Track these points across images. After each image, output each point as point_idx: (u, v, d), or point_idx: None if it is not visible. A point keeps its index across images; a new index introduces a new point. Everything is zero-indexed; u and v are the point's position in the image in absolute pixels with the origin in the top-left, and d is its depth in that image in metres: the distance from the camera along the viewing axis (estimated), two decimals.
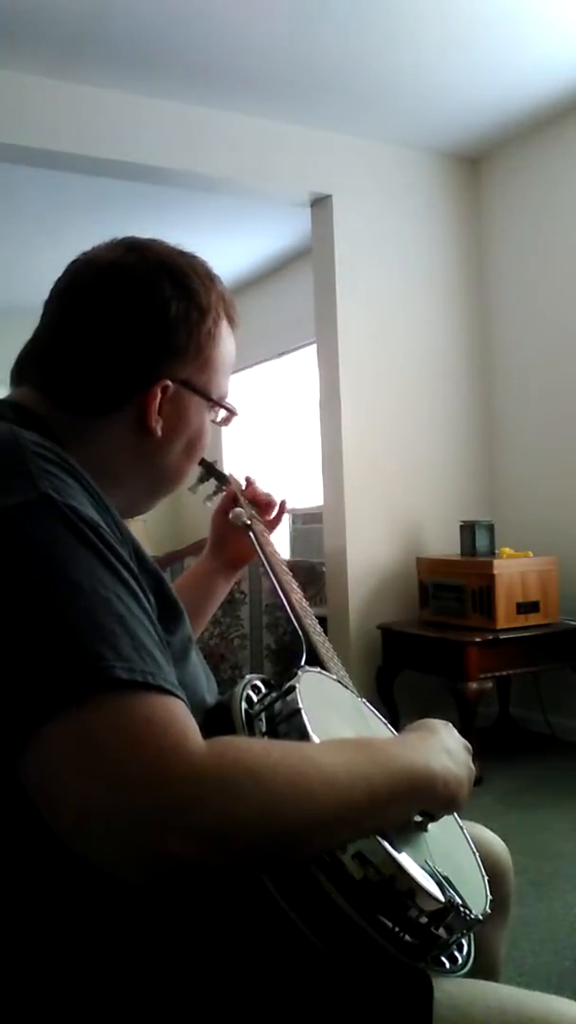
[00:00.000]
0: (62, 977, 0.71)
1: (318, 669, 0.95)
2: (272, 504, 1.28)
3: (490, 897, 0.86)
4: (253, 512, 1.23)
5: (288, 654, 3.44)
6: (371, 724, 1.00)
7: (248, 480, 1.30)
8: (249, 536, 1.18)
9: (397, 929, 0.72)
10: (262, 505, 1.27)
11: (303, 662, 0.92)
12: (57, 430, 0.82)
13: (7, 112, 3.09)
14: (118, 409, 0.85)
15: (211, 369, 0.90)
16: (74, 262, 0.90)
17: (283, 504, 1.30)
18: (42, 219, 4.54)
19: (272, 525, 1.27)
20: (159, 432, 0.87)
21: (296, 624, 1.03)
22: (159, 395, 0.86)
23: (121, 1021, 0.71)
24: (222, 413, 0.95)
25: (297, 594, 1.11)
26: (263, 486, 1.30)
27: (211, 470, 1.24)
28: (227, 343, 0.92)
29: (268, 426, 5.83)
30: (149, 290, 0.85)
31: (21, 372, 0.88)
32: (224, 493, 1.28)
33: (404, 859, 0.73)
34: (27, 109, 3.13)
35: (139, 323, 0.85)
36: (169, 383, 0.86)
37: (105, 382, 0.84)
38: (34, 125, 3.15)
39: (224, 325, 0.91)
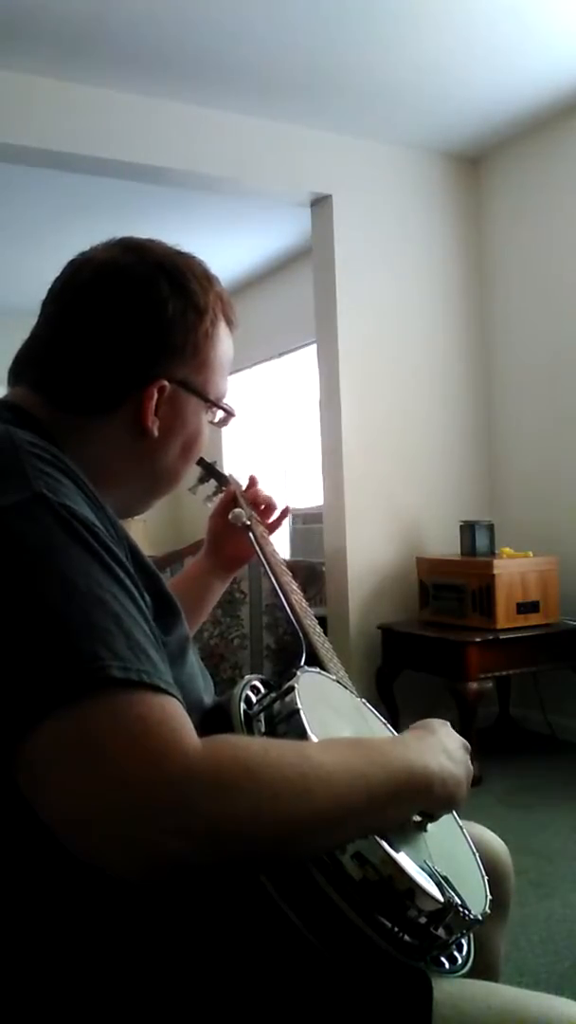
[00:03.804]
0: (62, 977, 0.71)
1: (317, 669, 0.95)
2: (273, 507, 1.28)
3: (490, 897, 0.86)
4: (252, 513, 1.22)
5: (288, 654, 3.44)
6: (370, 724, 1.00)
7: (252, 480, 1.29)
8: (249, 537, 1.17)
9: (396, 929, 0.72)
10: (263, 508, 1.26)
11: (302, 662, 0.92)
12: (53, 430, 0.82)
13: (8, 112, 3.09)
14: (115, 409, 0.85)
15: (208, 369, 0.90)
16: (71, 262, 0.90)
17: (285, 509, 1.29)
18: (42, 219, 4.55)
19: (272, 528, 1.26)
20: (156, 432, 0.87)
21: (296, 624, 1.03)
22: (156, 395, 0.86)
23: (121, 1021, 0.71)
24: (219, 414, 0.95)
25: (297, 594, 1.11)
26: (266, 488, 1.30)
27: (211, 470, 1.23)
28: (225, 343, 0.92)
29: (268, 426, 5.83)
30: (146, 290, 0.85)
31: (18, 372, 0.88)
32: (223, 494, 1.27)
33: (403, 859, 0.73)
34: (28, 109, 3.13)
35: (136, 323, 0.85)
36: (166, 383, 0.86)
37: (102, 382, 0.84)
38: (35, 125, 3.15)
39: (222, 325, 0.91)
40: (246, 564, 1.28)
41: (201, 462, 1.15)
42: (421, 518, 3.84)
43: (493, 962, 1.06)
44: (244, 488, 1.28)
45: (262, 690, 0.85)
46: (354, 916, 0.70)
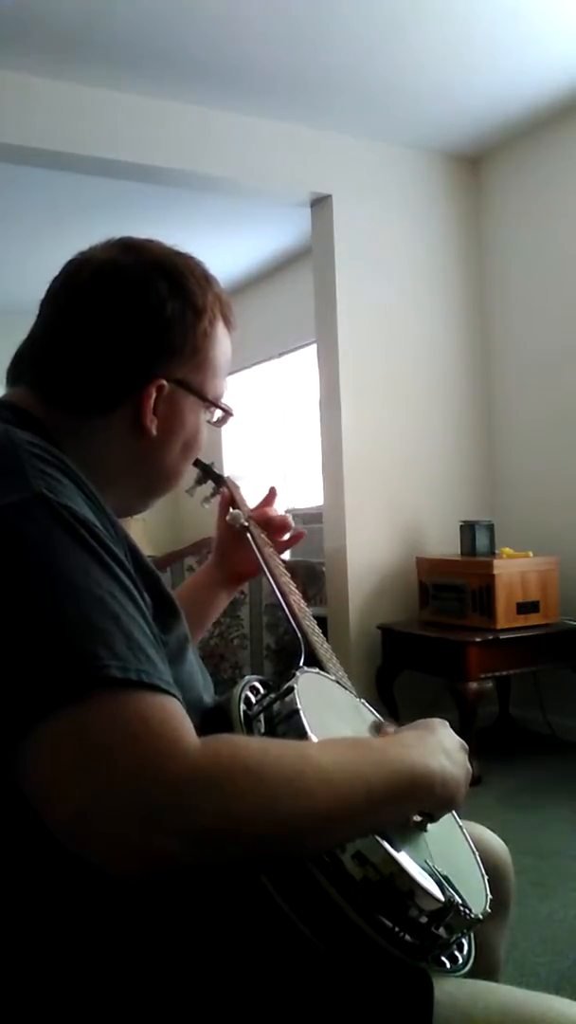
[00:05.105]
0: (61, 977, 0.71)
1: (316, 670, 0.95)
2: (286, 527, 1.26)
3: (490, 897, 0.86)
4: (251, 514, 1.22)
5: (288, 654, 3.44)
6: (370, 724, 0.99)
7: (269, 496, 1.28)
8: (247, 537, 1.17)
9: (397, 929, 0.72)
10: (275, 526, 1.24)
11: (302, 663, 0.92)
12: (52, 430, 0.82)
13: (7, 112, 3.09)
14: (113, 409, 0.85)
15: (207, 369, 0.90)
16: (70, 262, 0.90)
17: (299, 533, 1.27)
18: (42, 219, 4.55)
19: (282, 548, 1.24)
20: (154, 432, 0.87)
21: (294, 625, 1.03)
22: (154, 395, 0.86)
23: (121, 1021, 0.71)
24: (218, 413, 0.95)
25: (295, 595, 1.11)
26: (279, 507, 1.28)
27: (208, 472, 1.23)
28: (223, 344, 0.92)
29: (268, 426, 5.83)
30: (144, 290, 0.85)
31: (17, 372, 0.88)
32: (221, 496, 1.27)
33: (403, 859, 0.73)
34: (27, 109, 3.13)
35: (134, 323, 0.85)
36: (164, 383, 0.86)
37: (100, 381, 0.84)
38: (34, 125, 3.15)
39: (220, 326, 0.91)
40: (252, 577, 1.26)
41: (198, 463, 1.15)
42: (421, 518, 3.84)
43: (493, 962, 1.06)
44: (261, 503, 1.27)
45: (261, 691, 0.85)
46: (355, 916, 0.70)
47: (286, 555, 1.38)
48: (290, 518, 1.26)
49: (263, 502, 1.27)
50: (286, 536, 1.25)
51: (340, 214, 3.71)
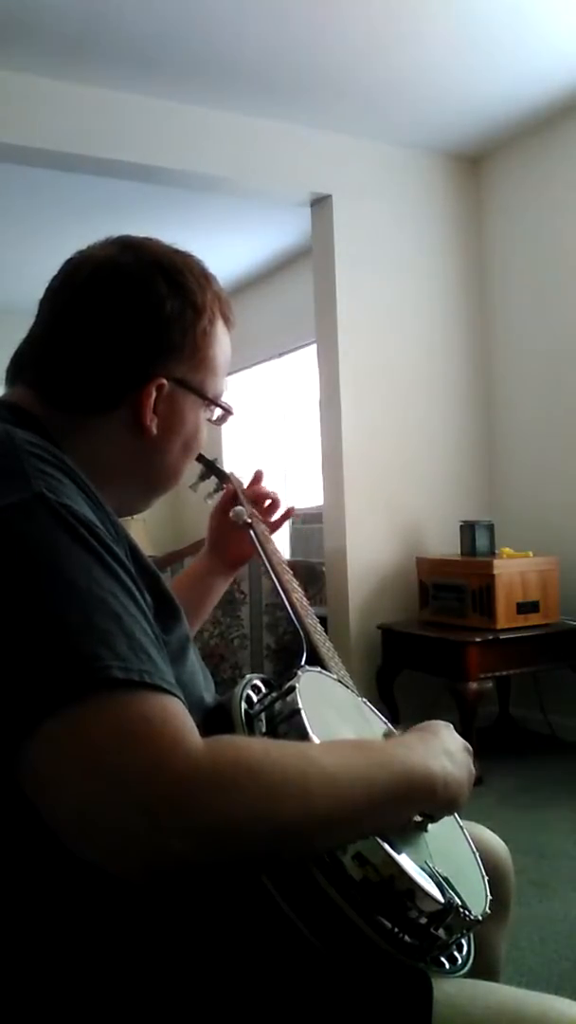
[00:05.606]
0: (62, 977, 0.71)
1: (318, 669, 0.95)
2: (277, 504, 1.27)
3: (490, 897, 0.86)
4: (254, 511, 1.22)
5: (288, 654, 3.44)
6: (372, 724, 0.99)
7: (257, 475, 1.29)
8: (250, 534, 1.17)
9: (397, 930, 0.72)
10: (268, 504, 1.26)
11: (303, 662, 0.92)
12: (52, 429, 0.82)
13: (7, 112, 3.09)
14: (113, 408, 0.85)
15: (206, 368, 0.90)
16: (68, 261, 0.89)
17: (289, 510, 1.29)
18: (42, 219, 4.55)
19: (274, 526, 1.26)
20: (154, 430, 0.87)
21: (297, 623, 1.03)
22: (154, 393, 0.85)
23: (121, 1021, 0.71)
24: (218, 412, 0.95)
25: (298, 593, 1.11)
26: (269, 485, 1.29)
27: (212, 468, 1.23)
28: (222, 342, 0.92)
29: (268, 426, 5.83)
30: (143, 288, 0.85)
31: (16, 371, 0.88)
32: (224, 491, 1.27)
33: (404, 860, 0.72)
34: (28, 109, 3.13)
35: (133, 321, 0.84)
36: (164, 381, 0.86)
37: (99, 380, 0.84)
38: (35, 125, 3.15)
39: (219, 324, 0.91)
40: (247, 563, 1.28)
41: (202, 459, 1.15)
42: (421, 518, 3.84)
43: (493, 962, 1.06)
44: (248, 483, 1.28)
45: (263, 689, 0.85)
46: (355, 916, 0.70)
47: (286, 555, 1.38)
48: (279, 495, 1.28)
49: (252, 482, 1.28)
50: (276, 515, 1.26)
51: (340, 214, 3.71)
